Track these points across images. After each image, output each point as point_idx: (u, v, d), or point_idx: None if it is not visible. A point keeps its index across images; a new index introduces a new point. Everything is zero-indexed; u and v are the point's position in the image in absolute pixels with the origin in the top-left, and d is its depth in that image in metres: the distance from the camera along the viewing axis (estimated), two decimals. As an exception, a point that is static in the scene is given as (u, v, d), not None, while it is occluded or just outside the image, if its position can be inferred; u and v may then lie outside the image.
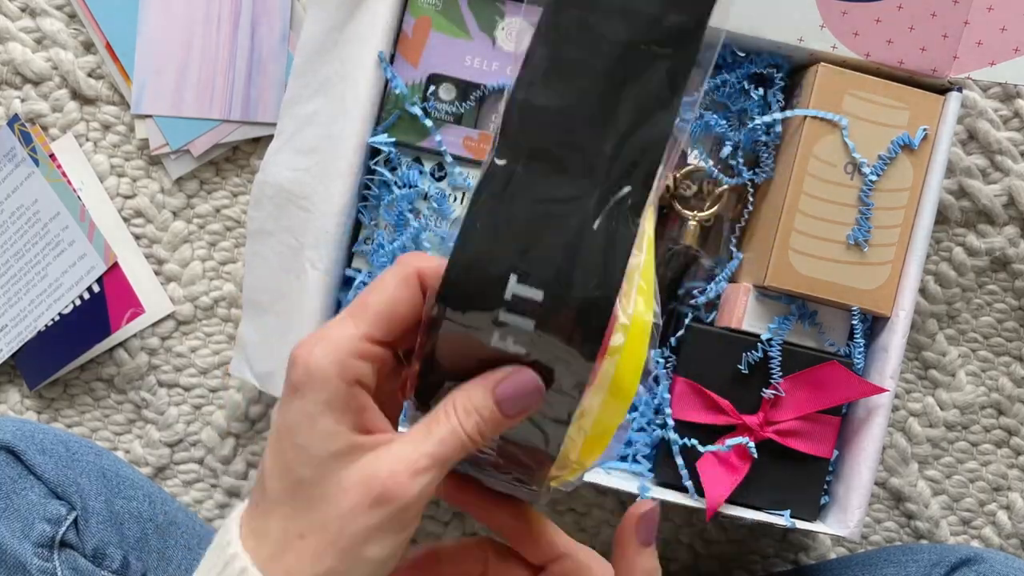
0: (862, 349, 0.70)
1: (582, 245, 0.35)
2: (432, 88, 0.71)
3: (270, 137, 0.74)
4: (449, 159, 0.70)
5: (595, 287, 0.35)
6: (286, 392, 0.37)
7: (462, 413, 0.36)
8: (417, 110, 0.70)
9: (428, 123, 0.70)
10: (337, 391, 0.36)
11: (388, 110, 0.70)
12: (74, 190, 0.81)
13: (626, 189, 0.36)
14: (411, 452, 0.36)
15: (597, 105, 0.36)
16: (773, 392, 0.69)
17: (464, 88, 0.71)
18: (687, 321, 0.72)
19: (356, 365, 0.37)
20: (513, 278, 0.35)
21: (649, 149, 0.36)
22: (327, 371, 0.36)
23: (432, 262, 0.39)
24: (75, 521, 0.63)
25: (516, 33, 0.69)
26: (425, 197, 0.71)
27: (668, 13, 0.37)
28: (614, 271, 0.35)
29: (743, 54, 0.71)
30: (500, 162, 0.36)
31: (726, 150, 0.72)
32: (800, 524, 0.69)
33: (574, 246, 0.35)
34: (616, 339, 0.37)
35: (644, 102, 0.36)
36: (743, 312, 0.70)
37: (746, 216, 0.73)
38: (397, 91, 0.70)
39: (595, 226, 0.36)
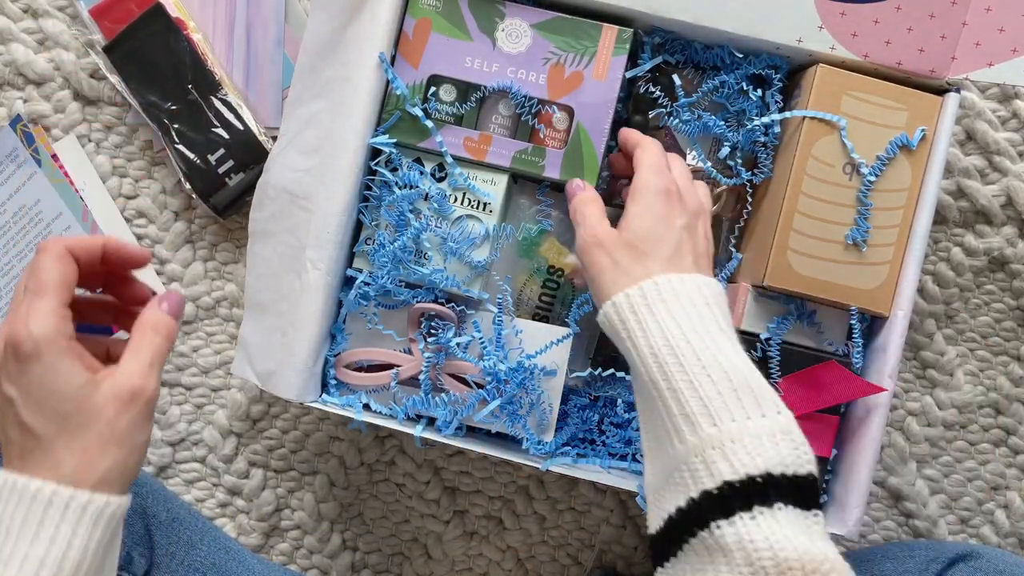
0: (860, 349, 0.70)
1: None
2: (432, 89, 0.71)
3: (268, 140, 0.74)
4: (449, 160, 0.70)
5: None
6: (18, 364, 0.48)
7: (150, 332, 0.51)
8: (418, 111, 0.70)
9: (429, 124, 0.70)
10: (64, 346, 0.48)
11: (389, 111, 0.70)
12: (76, 191, 0.81)
13: None
14: (136, 364, 0.50)
15: None
16: (772, 391, 0.69)
17: (464, 89, 0.71)
18: (686, 321, 0.72)
19: (67, 326, 0.49)
20: None
21: None
22: (50, 335, 0.48)
23: (71, 240, 0.51)
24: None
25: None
26: (426, 197, 0.71)
27: None
28: None
29: (742, 55, 0.71)
30: None
31: (724, 151, 0.72)
32: (799, 523, 0.69)
33: None
34: None
35: None
36: (742, 312, 0.71)
37: (745, 216, 0.73)
38: (398, 92, 0.70)
39: None
